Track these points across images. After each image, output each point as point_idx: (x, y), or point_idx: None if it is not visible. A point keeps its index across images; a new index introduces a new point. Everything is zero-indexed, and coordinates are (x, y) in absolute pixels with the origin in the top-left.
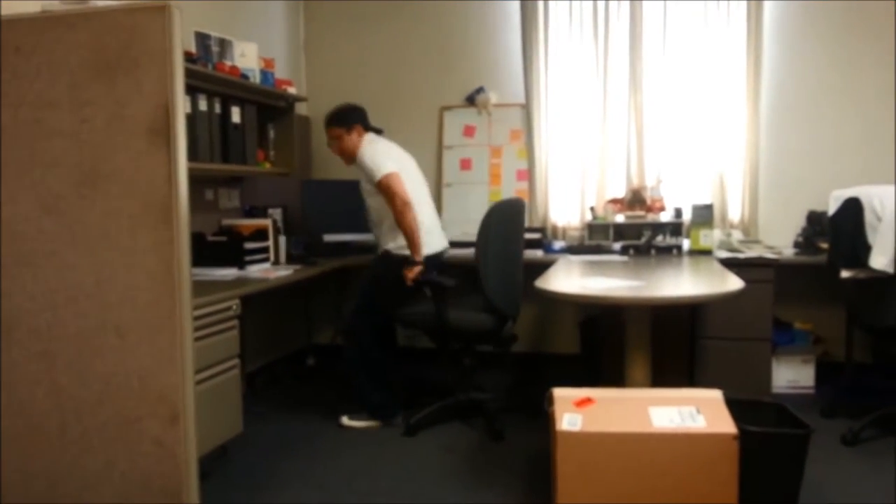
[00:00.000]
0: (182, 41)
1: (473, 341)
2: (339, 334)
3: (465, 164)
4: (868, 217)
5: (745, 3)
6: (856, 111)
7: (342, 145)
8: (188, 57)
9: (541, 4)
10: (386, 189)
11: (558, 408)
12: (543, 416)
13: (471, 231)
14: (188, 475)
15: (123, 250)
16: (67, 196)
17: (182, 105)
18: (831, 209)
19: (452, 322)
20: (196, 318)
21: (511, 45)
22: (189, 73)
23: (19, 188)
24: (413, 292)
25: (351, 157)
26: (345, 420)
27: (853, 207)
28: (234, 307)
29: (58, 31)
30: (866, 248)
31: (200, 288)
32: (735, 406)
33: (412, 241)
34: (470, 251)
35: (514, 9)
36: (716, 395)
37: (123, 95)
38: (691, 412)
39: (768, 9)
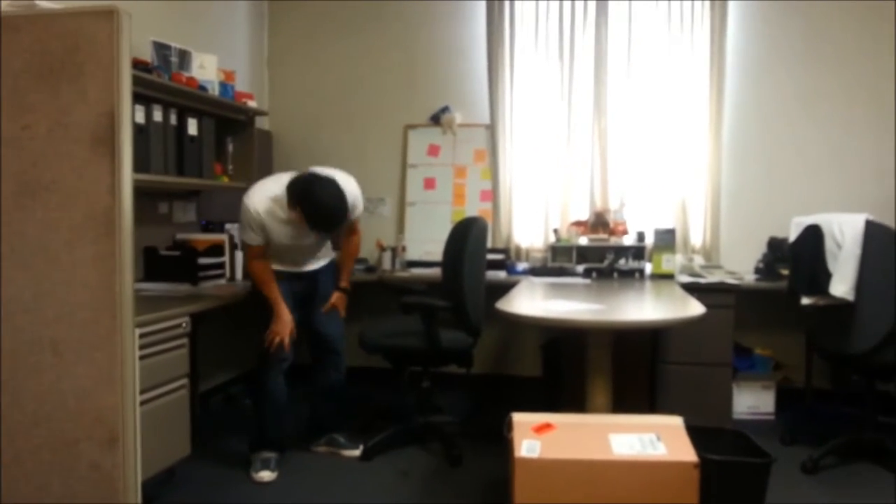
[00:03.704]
0: (136, 49)
1: (449, 362)
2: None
3: (429, 184)
4: (828, 244)
5: (707, 30)
6: (817, 139)
7: None
8: (143, 66)
9: (507, 25)
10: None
11: (517, 433)
12: (503, 440)
13: (433, 251)
14: (127, 500)
15: (62, 263)
16: (5, 206)
17: (128, 114)
18: (792, 236)
19: (445, 344)
20: (142, 336)
21: (477, 66)
22: (144, 83)
23: None
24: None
25: None
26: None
27: (813, 234)
28: (184, 324)
29: (1, 33)
30: (826, 276)
31: (150, 304)
32: (696, 433)
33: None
34: (432, 271)
35: (481, 29)
36: (677, 421)
37: (67, 102)
38: (652, 439)
39: (731, 36)
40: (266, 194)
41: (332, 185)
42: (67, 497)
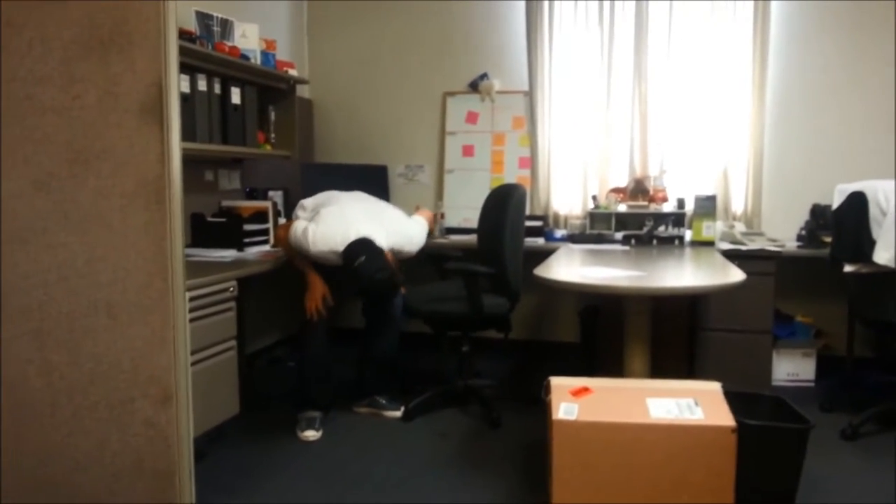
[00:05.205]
0: (180, 19)
1: (488, 327)
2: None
3: (468, 151)
4: (872, 211)
5: None
6: (861, 105)
7: None
8: (188, 36)
9: None
10: None
11: (555, 397)
12: (541, 404)
13: (471, 217)
14: (181, 456)
15: (115, 229)
16: (59, 174)
17: (176, 83)
18: (836, 203)
19: (487, 309)
20: (192, 300)
21: (515, 32)
22: (188, 53)
23: (11, 165)
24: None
25: None
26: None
27: (858, 201)
28: (232, 289)
29: (50, 5)
30: (870, 243)
31: (198, 269)
32: (734, 398)
33: None
34: (470, 237)
35: None
36: (714, 387)
37: (116, 73)
38: (689, 404)
39: (775, 1)
40: (329, 244)
41: (374, 261)
42: (124, 452)
